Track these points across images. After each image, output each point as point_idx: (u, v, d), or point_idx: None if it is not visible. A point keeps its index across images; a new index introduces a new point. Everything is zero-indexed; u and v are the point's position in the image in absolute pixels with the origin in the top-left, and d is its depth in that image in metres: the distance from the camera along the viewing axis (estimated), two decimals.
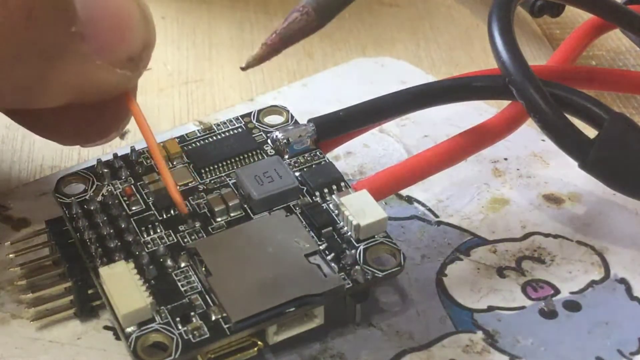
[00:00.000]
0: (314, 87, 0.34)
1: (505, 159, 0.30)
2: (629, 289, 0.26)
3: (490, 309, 0.25)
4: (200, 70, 0.35)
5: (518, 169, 0.30)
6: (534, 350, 0.24)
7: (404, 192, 0.29)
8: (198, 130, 0.27)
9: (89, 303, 0.25)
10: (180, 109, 0.33)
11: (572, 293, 0.26)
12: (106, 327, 0.25)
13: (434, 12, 0.39)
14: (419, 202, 0.29)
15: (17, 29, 0.22)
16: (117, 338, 0.24)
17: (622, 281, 0.26)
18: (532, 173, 0.30)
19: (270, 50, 0.22)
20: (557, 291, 0.26)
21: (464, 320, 0.25)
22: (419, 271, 0.26)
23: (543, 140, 0.31)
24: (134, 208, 0.25)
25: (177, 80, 0.35)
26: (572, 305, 0.25)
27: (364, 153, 0.30)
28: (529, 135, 0.31)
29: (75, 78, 0.24)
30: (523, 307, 0.25)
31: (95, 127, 0.25)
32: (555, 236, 0.28)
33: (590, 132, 0.26)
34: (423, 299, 0.26)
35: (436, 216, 0.28)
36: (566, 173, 0.29)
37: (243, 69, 0.22)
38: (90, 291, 0.24)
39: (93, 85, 0.24)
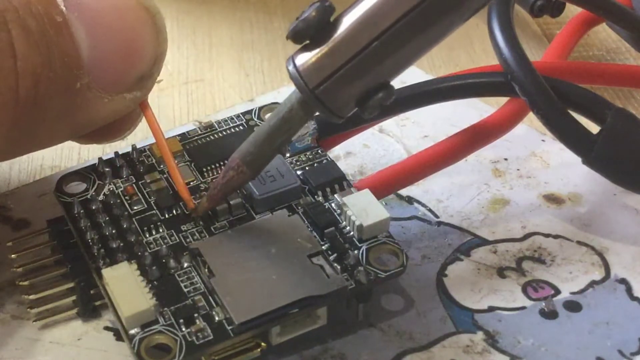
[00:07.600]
0: None
1: (506, 159, 0.30)
2: (629, 289, 0.26)
3: (491, 309, 0.25)
4: (200, 70, 0.35)
5: (518, 169, 0.30)
6: (535, 350, 0.24)
7: (404, 192, 0.29)
8: (199, 128, 0.27)
9: (91, 303, 0.25)
10: (180, 109, 0.33)
11: (572, 293, 0.26)
12: (107, 328, 0.25)
13: None
14: (419, 202, 0.29)
15: (24, 99, 0.22)
16: (118, 339, 0.24)
17: (623, 281, 0.26)
18: (532, 173, 0.30)
19: (215, 203, 0.25)
20: (557, 291, 0.26)
21: (464, 320, 0.25)
22: (420, 271, 0.26)
23: (543, 140, 0.31)
24: (135, 207, 0.25)
25: (177, 80, 0.35)
26: (573, 306, 0.25)
27: (364, 153, 0.30)
28: (529, 135, 0.31)
29: (84, 118, 0.23)
30: (523, 308, 0.25)
31: (111, 128, 0.25)
32: (556, 236, 0.28)
33: (593, 129, 0.26)
34: (423, 299, 0.26)
35: (436, 216, 0.28)
36: (566, 173, 0.29)
37: (194, 214, 0.25)
38: (92, 291, 0.24)
39: (103, 118, 0.24)
